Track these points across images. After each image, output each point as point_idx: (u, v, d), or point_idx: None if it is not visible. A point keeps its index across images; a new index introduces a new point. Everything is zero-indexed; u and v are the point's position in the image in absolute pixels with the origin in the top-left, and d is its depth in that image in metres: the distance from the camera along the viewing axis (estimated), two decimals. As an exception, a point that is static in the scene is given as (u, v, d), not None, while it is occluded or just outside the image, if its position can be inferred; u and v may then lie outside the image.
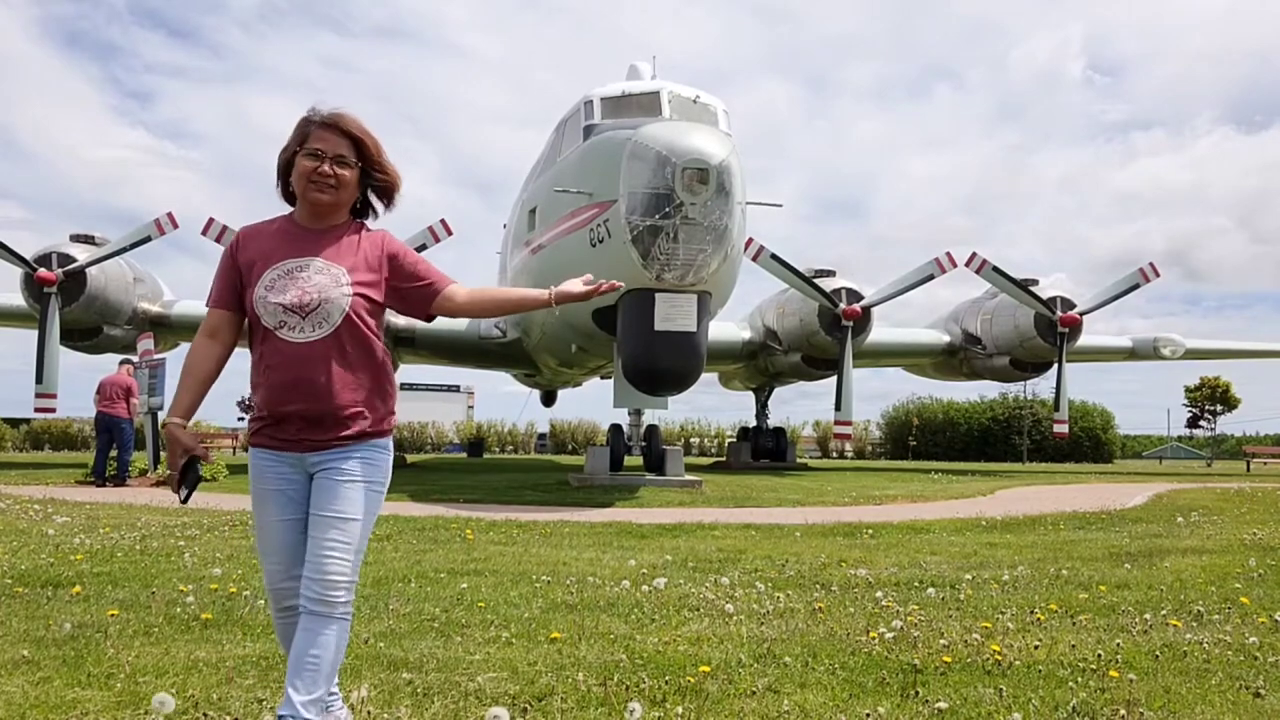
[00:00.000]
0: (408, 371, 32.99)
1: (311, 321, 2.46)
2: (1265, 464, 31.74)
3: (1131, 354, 24.54)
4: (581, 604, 4.70)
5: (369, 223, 2.70)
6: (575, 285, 2.69)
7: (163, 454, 16.71)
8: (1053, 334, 20.57)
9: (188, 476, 2.51)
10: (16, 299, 17.69)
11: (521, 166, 20.23)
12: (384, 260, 2.59)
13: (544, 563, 6.08)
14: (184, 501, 2.50)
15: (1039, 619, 4.44)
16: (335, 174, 2.51)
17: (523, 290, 2.77)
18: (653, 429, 14.39)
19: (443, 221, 17.03)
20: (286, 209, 2.66)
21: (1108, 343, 24.51)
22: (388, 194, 2.67)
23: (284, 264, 2.50)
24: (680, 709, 2.97)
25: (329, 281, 2.48)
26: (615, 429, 14.75)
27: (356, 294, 2.51)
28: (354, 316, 2.49)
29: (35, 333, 16.66)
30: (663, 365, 11.45)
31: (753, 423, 26.19)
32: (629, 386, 11.96)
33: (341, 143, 2.52)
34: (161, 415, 16.12)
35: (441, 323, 15.09)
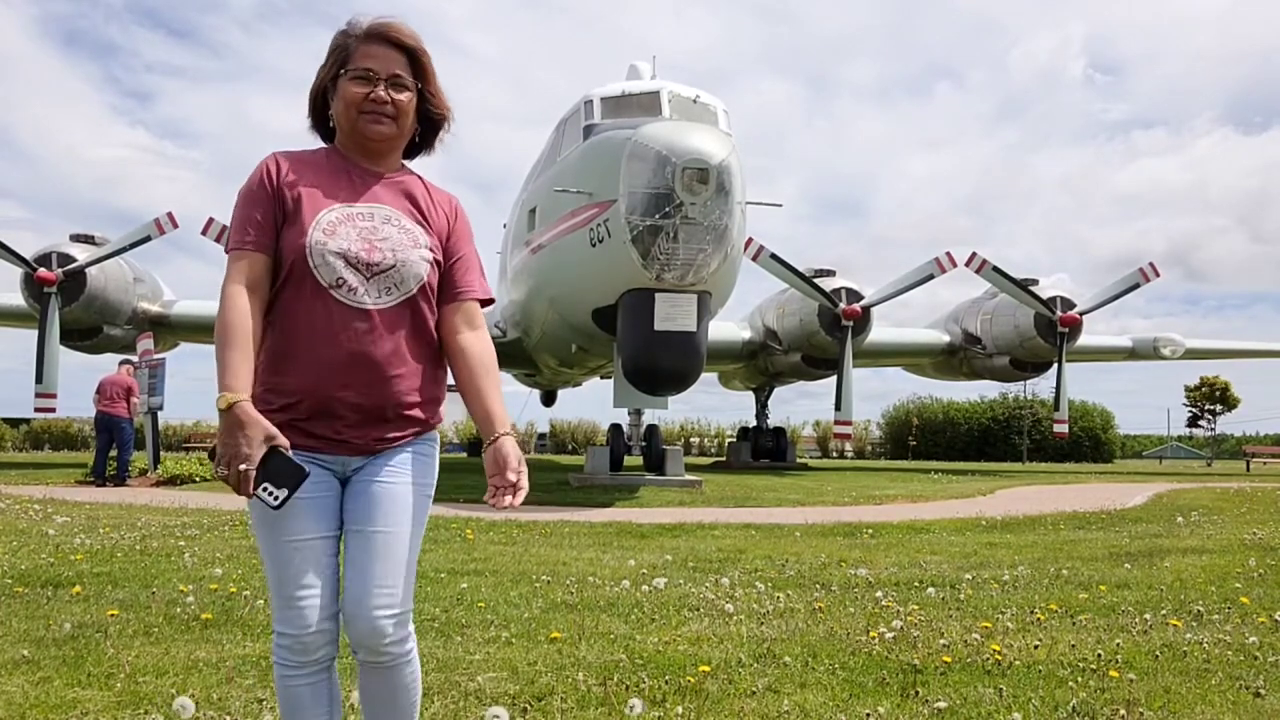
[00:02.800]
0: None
1: (379, 285, 1.94)
2: (1265, 464, 31.75)
3: (1131, 354, 24.58)
4: (581, 604, 4.70)
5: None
6: (494, 469, 1.97)
7: (164, 454, 16.71)
8: (1053, 334, 20.59)
9: (274, 471, 1.78)
10: (16, 299, 17.71)
11: (521, 166, 20.22)
12: (450, 226, 2.10)
13: (544, 563, 6.08)
14: (277, 507, 1.79)
15: (1039, 619, 4.44)
16: (393, 99, 1.98)
17: (498, 400, 2.04)
18: (653, 429, 14.39)
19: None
20: None
21: (1108, 343, 24.54)
22: (435, 129, 2.13)
23: (342, 206, 1.97)
24: (680, 709, 2.97)
25: (406, 240, 1.98)
26: (615, 429, 14.75)
27: (434, 259, 2.02)
28: (428, 287, 2.01)
29: (35, 333, 16.68)
30: (663, 365, 11.46)
31: (753, 423, 26.20)
32: (629, 386, 11.96)
33: (396, 58, 1.99)
34: (162, 415, 16.25)
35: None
